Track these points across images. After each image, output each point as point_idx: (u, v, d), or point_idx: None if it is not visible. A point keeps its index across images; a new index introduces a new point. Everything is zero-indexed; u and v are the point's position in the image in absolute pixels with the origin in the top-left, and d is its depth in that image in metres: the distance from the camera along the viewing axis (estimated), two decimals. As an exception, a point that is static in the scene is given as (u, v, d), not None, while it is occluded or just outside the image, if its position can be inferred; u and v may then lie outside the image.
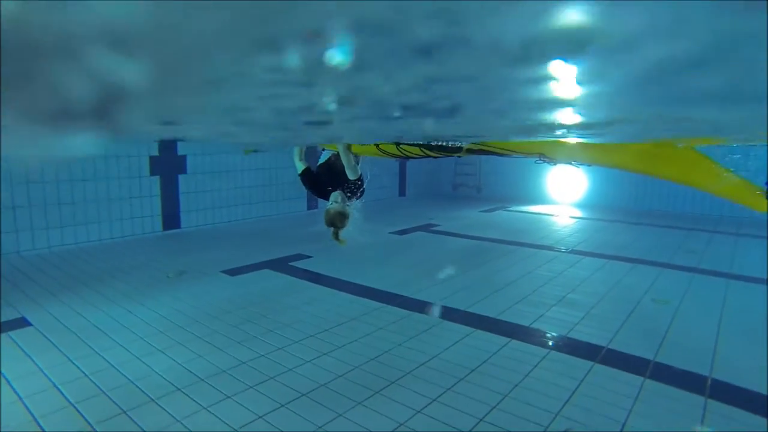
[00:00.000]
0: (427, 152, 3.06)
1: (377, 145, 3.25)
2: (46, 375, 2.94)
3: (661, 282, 4.93)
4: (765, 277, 5.10)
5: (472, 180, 12.51)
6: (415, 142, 2.91)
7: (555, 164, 2.68)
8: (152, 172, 7.04)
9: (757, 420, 2.52)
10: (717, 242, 6.87)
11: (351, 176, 3.32)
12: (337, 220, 3.27)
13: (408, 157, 3.37)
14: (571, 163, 2.73)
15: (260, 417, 2.52)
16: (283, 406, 2.63)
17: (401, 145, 3.11)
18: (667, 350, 3.32)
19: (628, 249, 6.38)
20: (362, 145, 3.42)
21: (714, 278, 5.10)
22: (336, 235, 3.25)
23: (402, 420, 2.50)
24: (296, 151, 3.62)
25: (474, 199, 11.74)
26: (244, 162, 8.15)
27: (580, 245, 6.62)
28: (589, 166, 2.74)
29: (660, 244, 6.70)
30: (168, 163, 7.23)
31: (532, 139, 2.61)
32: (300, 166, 3.55)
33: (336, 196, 3.33)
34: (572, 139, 2.57)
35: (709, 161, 1.96)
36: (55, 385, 2.81)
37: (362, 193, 3.44)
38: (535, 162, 2.70)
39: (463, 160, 12.53)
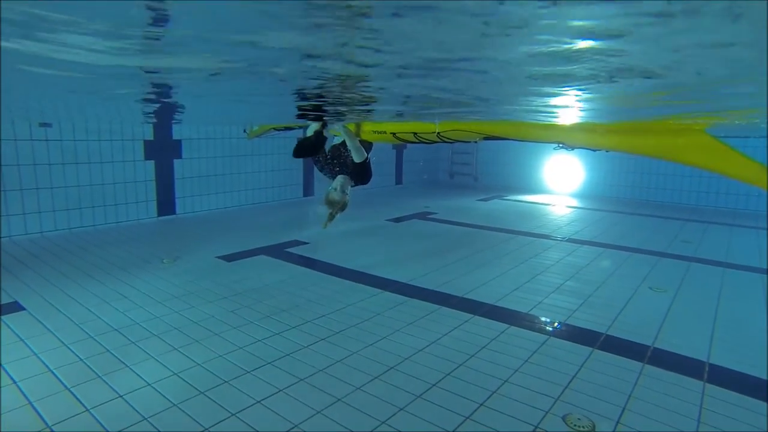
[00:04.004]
0: (443, 137, 3.07)
1: (394, 134, 3.26)
2: (40, 359, 2.90)
3: (659, 270, 4.94)
4: (759, 266, 5.14)
5: (469, 169, 12.48)
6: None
7: (572, 150, 2.70)
8: (147, 157, 6.94)
9: (753, 402, 2.54)
10: (712, 232, 6.90)
11: (357, 159, 3.31)
12: (334, 205, 3.33)
13: (420, 142, 3.39)
14: (588, 149, 2.74)
15: (258, 402, 2.50)
16: (281, 390, 2.61)
17: (419, 134, 3.14)
18: (666, 336, 3.33)
19: (625, 238, 6.40)
20: (378, 132, 3.42)
21: (710, 267, 5.13)
22: (330, 218, 3.31)
23: (402, 405, 2.49)
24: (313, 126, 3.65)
25: (470, 187, 11.71)
26: (240, 147, 8.05)
27: (577, 234, 6.62)
28: (607, 152, 2.76)
29: (656, 234, 6.71)
30: (163, 147, 7.12)
31: (552, 123, 2.61)
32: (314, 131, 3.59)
33: (340, 180, 3.33)
34: (588, 124, 2.57)
35: (718, 142, 1.95)
36: (50, 369, 2.77)
37: (369, 177, 3.43)
38: (554, 148, 2.73)
39: (460, 149, 12.51)
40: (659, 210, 8.65)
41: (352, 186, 3.38)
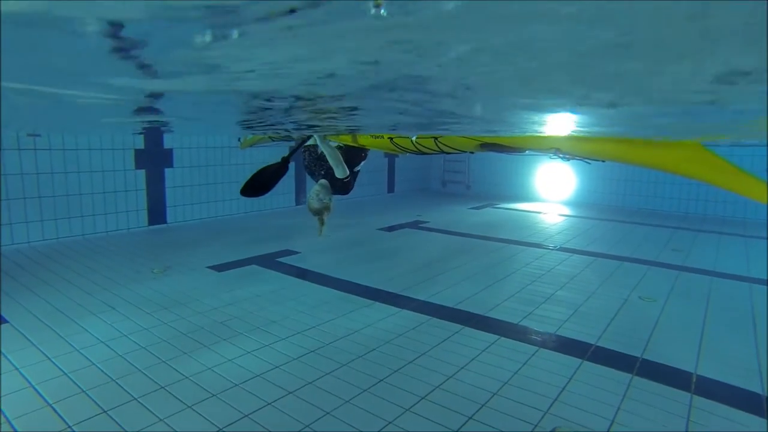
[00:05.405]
0: (441, 146, 3.05)
1: (391, 139, 3.23)
2: (22, 374, 2.84)
3: (648, 279, 4.97)
4: (746, 275, 5.18)
5: (461, 177, 12.53)
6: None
7: (569, 160, 2.69)
8: (137, 166, 6.90)
9: (739, 414, 2.55)
10: (701, 241, 6.96)
11: (339, 174, 3.30)
12: (319, 212, 3.37)
13: (420, 153, 3.37)
14: (584, 160, 2.73)
15: (246, 416, 2.47)
16: (269, 404, 2.58)
17: (417, 140, 3.11)
18: (654, 347, 3.34)
19: (615, 247, 6.44)
20: (375, 137, 3.39)
21: (699, 276, 5.17)
22: (322, 223, 3.35)
23: (390, 418, 2.47)
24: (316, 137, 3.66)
25: (463, 196, 11.76)
26: (231, 156, 8.03)
27: (569, 243, 6.65)
28: (603, 161, 2.74)
29: (647, 243, 6.76)
30: (154, 156, 7.09)
31: (547, 134, 2.61)
32: (311, 141, 3.61)
33: (316, 188, 3.35)
34: (586, 135, 2.58)
35: (713, 154, 1.96)
36: (31, 385, 2.72)
37: (349, 190, 3.44)
38: (549, 157, 2.72)
39: (453, 157, 12.56)
40: (650, 218, 8.73)
41: (331, 194, 3.40)
